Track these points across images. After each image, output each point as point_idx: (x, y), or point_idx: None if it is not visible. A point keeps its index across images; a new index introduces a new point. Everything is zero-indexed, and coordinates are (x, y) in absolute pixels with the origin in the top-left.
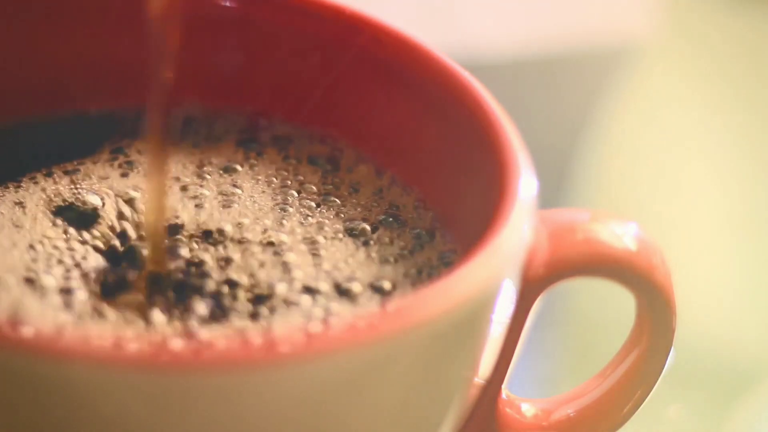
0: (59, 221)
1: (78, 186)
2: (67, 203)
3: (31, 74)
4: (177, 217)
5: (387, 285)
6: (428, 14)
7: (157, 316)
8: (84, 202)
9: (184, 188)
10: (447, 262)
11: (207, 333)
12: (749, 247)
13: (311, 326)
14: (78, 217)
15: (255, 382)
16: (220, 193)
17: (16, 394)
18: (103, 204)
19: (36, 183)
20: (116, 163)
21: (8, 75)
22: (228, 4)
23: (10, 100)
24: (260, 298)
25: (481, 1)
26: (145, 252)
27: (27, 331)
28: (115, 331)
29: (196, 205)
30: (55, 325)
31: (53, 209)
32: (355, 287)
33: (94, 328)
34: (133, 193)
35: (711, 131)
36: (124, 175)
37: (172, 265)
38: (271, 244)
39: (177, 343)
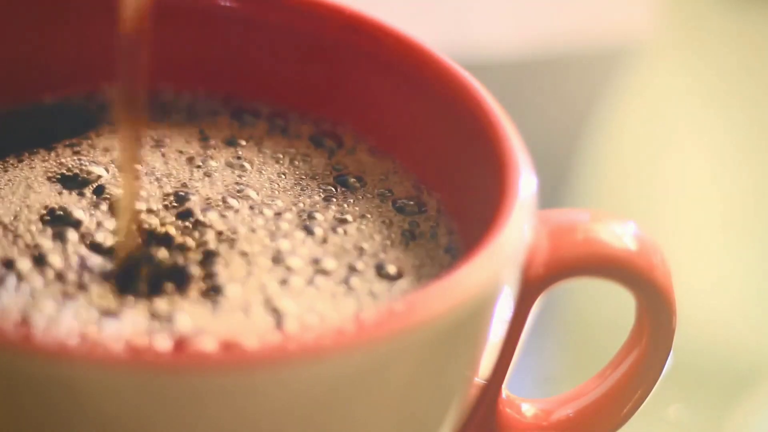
0: (62, 189)
1: (82, 157)
2: (71, 173)
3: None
4: (184, 186)
5: (423, 269)
6: (428, 14)
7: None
8: (88, 172)
9: (198, 166)
10: (452, 252)
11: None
12: (749, 247)
13: (311, 326)
14: (81, 185)
15: (255, 383)
16: (231, 169)
17: (18, 394)
18: (107, 173)
19: (39, 156)
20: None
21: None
22: (229, 4)
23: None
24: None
25: (481, 1)
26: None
27: (29, 332)
28: (125, 326)
29: (208, 179)
30: (57, 325)
31: (56, 178)
32: (391, 269)
33: (100, 327)
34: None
35: (711, 131)
36: None
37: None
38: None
39: (179, 344)
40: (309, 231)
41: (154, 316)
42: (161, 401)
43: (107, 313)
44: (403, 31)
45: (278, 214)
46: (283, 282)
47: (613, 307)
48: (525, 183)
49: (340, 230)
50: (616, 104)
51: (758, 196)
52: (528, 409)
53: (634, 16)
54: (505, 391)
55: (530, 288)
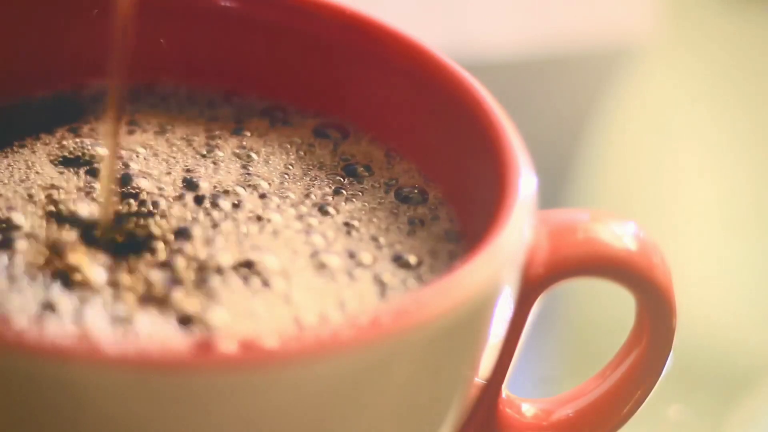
0: (64, 170)
1: (83, 140)
2: (73, 155)
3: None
4: (193, 177)
5: (443, 258)
6: (428, 14)
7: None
8: (92, 155)
9: (203, 155)
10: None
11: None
12: (749, 247)
13: (311, 327)
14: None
15: (256, 383)
16: (239, 160)
17: (18, 395)
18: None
19: (41, 140)
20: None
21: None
22: (230, 4)
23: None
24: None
25: (481, 1)
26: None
27: (27, 332)
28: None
29: (215, 173)
30: (52, 324)
31: (59, 160)
32: (412, 259)
33: (100, 326)
34: (140, 150)
35: (710, 131)
36: (130, 132)
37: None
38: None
39: (179, 344)
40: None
41: (182, 317)
42: (159, 402)
43: (130, 311)
44: (404, 32)
45: (292, 206)
46: (295, 276)
47: (613, 307)
48: (525, 183)
49: (354, 222)
50: (616, 104)
51: (758, 195)
52: (528, 409)
53: (634, 17)
54: (505, 391)
55: (530, 288)
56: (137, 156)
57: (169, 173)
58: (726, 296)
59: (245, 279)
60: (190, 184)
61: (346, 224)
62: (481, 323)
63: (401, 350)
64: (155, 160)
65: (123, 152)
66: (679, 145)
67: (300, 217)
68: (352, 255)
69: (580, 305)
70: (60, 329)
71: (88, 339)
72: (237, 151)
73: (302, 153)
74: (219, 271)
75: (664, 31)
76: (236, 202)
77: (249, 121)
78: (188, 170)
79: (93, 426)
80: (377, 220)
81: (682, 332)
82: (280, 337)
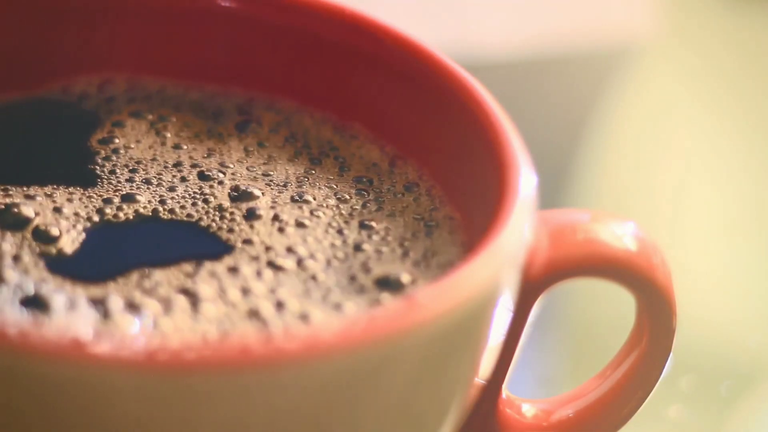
0: None
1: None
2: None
3: None
4: (209, 180)
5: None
6: (428, 14)
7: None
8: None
9: (221, 164)
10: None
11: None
12: (749, 247)
13: (312, 327)
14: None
15: (255, 383)
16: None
17: (20, 397)
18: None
19: None
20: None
21: None
22: (230, 4)
23: None
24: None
25: (481, 1)
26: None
27: (30, 334)
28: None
29: (230, 172)
30: (59, 328)
31: None
32: (414, 261)
33: (100, 327)
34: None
35: (710, 131)
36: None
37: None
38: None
39: (178, 344)
40: (343, 229)
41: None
42: (158, 403)
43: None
44: (403, 32)
45: (314, 209)
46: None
47: (613, 307)
48: (525, 183)
49: (378, 226)
50: (616, 104)
51: (758, 195)
52: (528, 410)
53: (634, 17)
54: (505, 391)
55: (530, 288)
56: (143, 155)
57: (181, 174)
58: (726, 296)
59: (261, 281)
60: (203, 187)
61: (354, 226)
62: (481, 323)
63: (401, 351)
64: (159, 161)
65: (129, 152)
66: (679, 144)
67: (308, 217)
68: (356, 255)
69: (580, 305)
70: (56, 329)
71: (85, 339)
72: (243, 153)
73: (312, 157)
74: (236, 275)
75: (664, 31)
76: (253, 205)
77: (253, 120)
78: (201, 172)
79: (90, 427)
80: (380, 222)
81: (682, 332)
82: (279, 338)
